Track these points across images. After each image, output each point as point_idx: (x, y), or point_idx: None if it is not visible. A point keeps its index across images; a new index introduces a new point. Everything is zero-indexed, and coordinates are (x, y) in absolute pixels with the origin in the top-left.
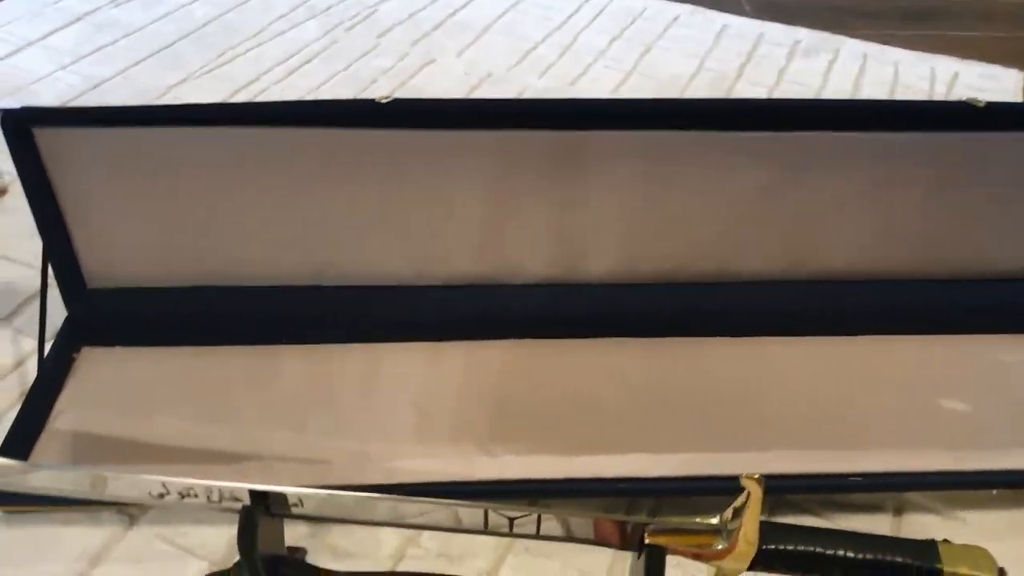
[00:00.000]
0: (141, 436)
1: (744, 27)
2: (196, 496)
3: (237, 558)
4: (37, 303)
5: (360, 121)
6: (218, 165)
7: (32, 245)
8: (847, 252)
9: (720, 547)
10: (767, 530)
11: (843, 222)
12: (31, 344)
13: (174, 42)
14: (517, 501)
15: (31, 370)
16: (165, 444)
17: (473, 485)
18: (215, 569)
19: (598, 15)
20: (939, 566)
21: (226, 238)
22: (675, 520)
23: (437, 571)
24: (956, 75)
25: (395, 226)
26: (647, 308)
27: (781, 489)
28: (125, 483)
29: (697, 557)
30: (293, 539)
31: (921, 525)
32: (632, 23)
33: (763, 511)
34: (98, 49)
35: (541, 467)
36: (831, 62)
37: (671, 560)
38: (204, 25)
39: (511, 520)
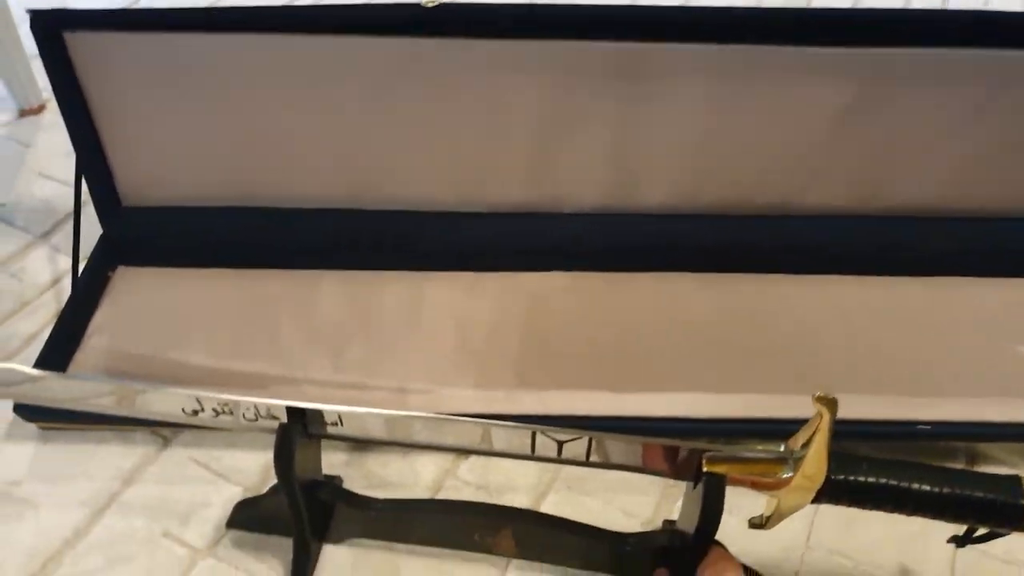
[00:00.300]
0: (175, 357)
1: None
2: (231, 413)
3: (270, 482)
4: None
5: (403, 28)
6: (257, 75)
7: (70, 162)
8: (926, 186)
9: (785, 475)
10: (836, 459)
11: (926, 153)
12: (68, 262)
13: None
14: None
15: (67, 288)
16: (199, 366)
17: (514, 418)
18: (248, 495)
19: None
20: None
21: (263, 155)
22: (736, 447)
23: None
24: None
25: (439, 146)
26: (705, 241)
27: (843, 436)
28: (159, 397)
29: (757, 487)
30: (329, 468)
31: None
32: None
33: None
34: None
35: (585, 403)
36: None
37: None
38: None
39: (560, 444)
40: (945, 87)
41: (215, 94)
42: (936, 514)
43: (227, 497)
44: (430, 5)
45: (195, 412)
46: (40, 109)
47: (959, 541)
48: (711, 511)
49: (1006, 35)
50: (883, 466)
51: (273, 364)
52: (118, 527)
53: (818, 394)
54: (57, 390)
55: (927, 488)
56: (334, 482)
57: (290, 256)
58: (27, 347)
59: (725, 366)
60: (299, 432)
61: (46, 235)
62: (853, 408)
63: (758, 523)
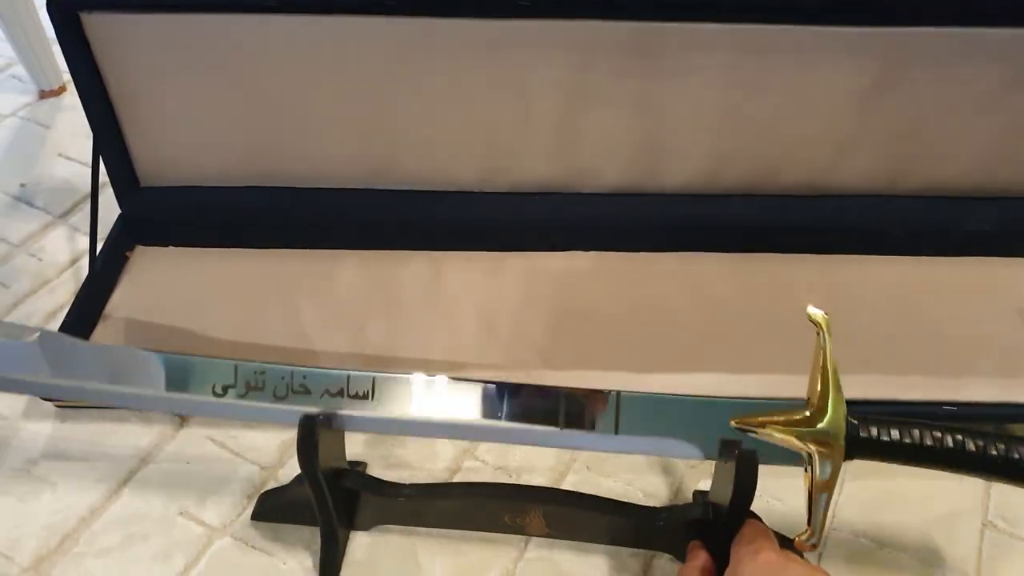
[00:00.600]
0: (194, 336)
1: None
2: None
3: (287, 463)
4: None
5: (423, 8)
6: (275, 55)
7: (89, 143)
8: (957, 165)
9: (808, 414)
10: (861, 420)
11: (956, 131)
12: (87, 242)
13: None
14: None
15: (86, 268)
16: (219, 344)
17: None
18: (266, 474)
19: None
20: None
21: (282, 135)
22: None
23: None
24: None
25: (460, 125)
26: (729, 221)
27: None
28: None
29: (789, 434)
30: (351, 448)
31: None
32: None
33: None
34: None
35: (607, 384)
36: None
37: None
38: None
39: None
40: (972, 65)
41: (233, 74)
42: (970, 467)
43: (244, 476)
44: None
45: (225, 389)
46: (60, 91)
47: None
48: (745, 484)
49: None
50: (914, 425)
51: (292, 343)
52: (134, 505)
53: (810, 307)
54: (72, 384)
55: (959, 438)
56: (358, 469)
57: (309, 236)
58: (47, 325)
59: (749, 347)
60: (321, 422)
61: (65, 215)
62: (879, 389)
63: (807, 540)
